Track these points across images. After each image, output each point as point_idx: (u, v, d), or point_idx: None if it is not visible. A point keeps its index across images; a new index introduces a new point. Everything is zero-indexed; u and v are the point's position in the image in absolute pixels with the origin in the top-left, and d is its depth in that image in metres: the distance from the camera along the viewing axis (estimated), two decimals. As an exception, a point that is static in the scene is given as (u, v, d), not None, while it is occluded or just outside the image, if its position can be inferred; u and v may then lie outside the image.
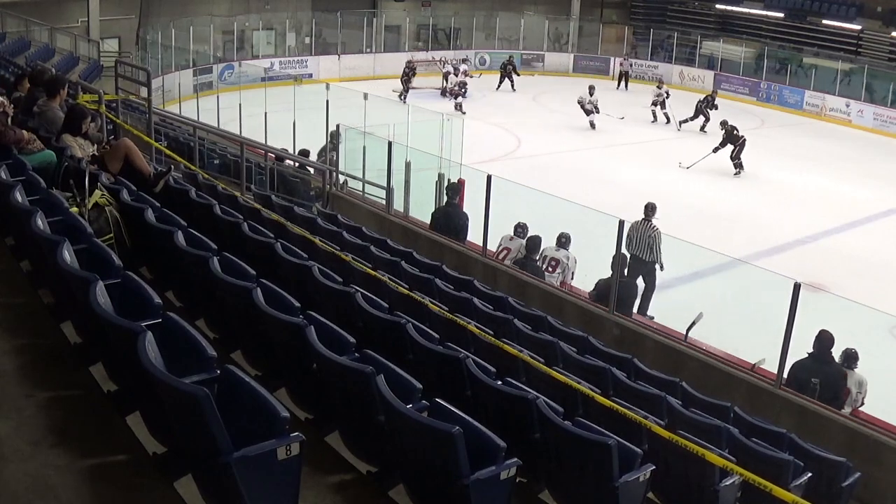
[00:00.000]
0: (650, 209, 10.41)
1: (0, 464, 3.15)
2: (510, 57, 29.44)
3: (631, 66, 30.99)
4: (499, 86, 27.95)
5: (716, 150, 18.34)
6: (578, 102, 22.39)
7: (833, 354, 7.29)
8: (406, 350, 4.88)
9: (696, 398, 6.27)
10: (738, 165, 18.36)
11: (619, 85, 29.98)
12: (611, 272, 8.55)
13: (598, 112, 22.18)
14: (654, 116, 23.96)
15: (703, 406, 6.00)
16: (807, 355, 7.20)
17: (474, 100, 24.89)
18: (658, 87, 24.90)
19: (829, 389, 7.10)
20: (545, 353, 6.00)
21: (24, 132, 6.42)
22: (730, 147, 18.29)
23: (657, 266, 10.30)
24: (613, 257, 8.47)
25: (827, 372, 7.17)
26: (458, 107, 23.73)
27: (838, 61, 27.90)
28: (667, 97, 23.84)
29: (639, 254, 10.16)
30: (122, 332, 3.26)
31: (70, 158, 6.27)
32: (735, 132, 18.25)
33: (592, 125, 22.15)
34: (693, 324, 7.60)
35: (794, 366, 7.13)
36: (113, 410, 3.61)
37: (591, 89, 22.43)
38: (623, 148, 21.08)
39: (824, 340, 7.22)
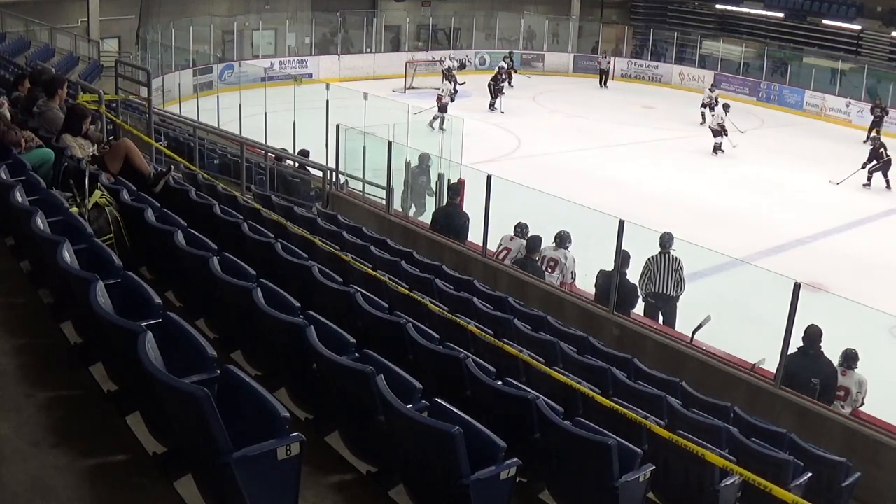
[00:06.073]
0: (669, 239, 9.41)
1: (0, 464, 3.15)
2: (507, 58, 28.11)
3: (609, 63, 30.82)
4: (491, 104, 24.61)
5: (864, 166, 18.39)
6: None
7: (822, 349, 7.29)
8: (406, 350, 4.88)
9: (696, 398, 6.27)
10: (869, 179, 18.46)
11: (600, 83, 30.05)
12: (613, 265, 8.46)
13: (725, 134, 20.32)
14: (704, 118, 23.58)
15: (703, 406, 6.00)
16: (797, 350, 7.19)
17: (474, 99, 24.80)
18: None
19: (820, 384, 7.11)
20: (545, 353, 6.00)
21: (24, 134, 6.42)
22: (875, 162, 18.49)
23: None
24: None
25: (814, 368, 7.18)
26: (439, 114, 21.28)
27: (838, 61, 27.89)
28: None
29: (663, 291, 9.24)
30: (122, 332, 3.26)
31: (70, 158, 6.27)
32: (883, 150, 18.46)
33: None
34: (700, 326, 7.59)
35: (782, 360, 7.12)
36: (113, 410, 3.61)
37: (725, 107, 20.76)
38: (623, 148, 21.09)
39: (812, 335, 7.23)
